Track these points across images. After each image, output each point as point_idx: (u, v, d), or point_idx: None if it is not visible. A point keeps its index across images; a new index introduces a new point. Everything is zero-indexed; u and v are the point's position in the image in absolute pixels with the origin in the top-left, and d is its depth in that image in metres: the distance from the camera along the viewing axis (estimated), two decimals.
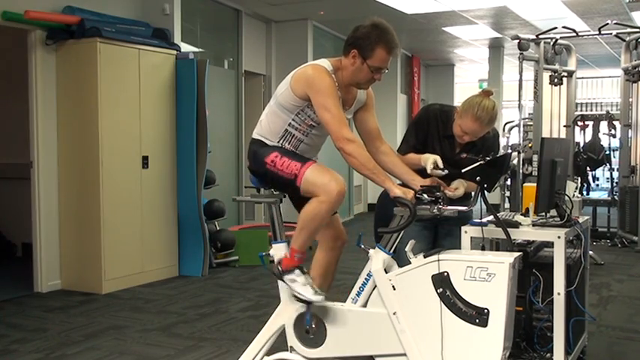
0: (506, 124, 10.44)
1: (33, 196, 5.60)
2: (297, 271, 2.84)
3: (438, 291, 2.60)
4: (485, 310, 2.52)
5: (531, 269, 3.07)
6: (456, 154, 3.26)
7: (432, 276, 2.62)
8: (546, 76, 8.01)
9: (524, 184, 3.56)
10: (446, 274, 2.59)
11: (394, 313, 2.68)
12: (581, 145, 8.46)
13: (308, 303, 2.85)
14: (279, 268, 2.88)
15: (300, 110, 2.86)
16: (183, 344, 4.16)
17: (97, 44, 5.45)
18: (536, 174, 5.25)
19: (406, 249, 2.71)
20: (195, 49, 7.35)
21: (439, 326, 2.60)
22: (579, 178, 8.07)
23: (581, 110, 13.47)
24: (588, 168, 8.43)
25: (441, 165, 2.97)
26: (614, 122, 8.38)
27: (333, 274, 3.18)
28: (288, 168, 2.80)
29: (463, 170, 2.91)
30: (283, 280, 2.87)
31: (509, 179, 8.16)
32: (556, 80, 8.08)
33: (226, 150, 7.92)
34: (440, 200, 2.75)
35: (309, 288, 2.81)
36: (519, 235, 3.00)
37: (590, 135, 8.50)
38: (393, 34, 2.81)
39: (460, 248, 2.97)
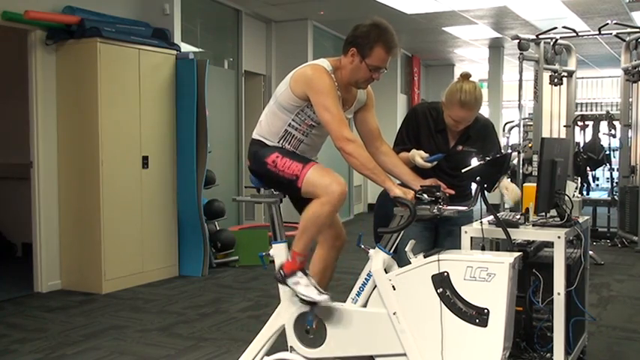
0: (506, 124, 10.46)
1: (33, 196, 5.60)
2: (300, 273, 2.82)
3: (438, 291, 2.60)
4: (486, 310, 2.52)
5: (531, 269, 3.07)
6: (452, 147, 3.26)
7: (432, 276, 2.62)
8: (546, 76, 8.01)
9: (524, 184, 3.56)
10: (446, 274, 2.59)
11: (394, 313, 2.68)
12: (581, 145, 8.46)
13: (312, 304, 2.82)
14: (282, 272, 2.85)
15: (299, 110, 2.86)
16: (183, 344, 4.16)
17: (97, 44, 5.45)
18: (536, 174, 5.25)
19: (406, 249, 2.72)
20: (195, 49, 7.35)
21: (439, 326, 2.59)
22: (579, 178, 8.07)
23: (581, 110, 13.48)
24: (588, 168, 8.43)
25: (425, 155, 3.04)
26: (614, 122, 8.38)
27: (331, 273, 3.17)
28: (289, 169, 2.79)
29: (463, 170, 2.91)
30: (287, 284, 2.84)
31: (509, 179, 8.15)
32: (556, 80, 8.08)
33: (226, 150, 7.91)
34: (440, 200, 2.75)
35: (313, 289, 2.78)
36: (519, 235, 3.00)
37: (590, 135, 8.51)
38: (392, 34, 2.81)
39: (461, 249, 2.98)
